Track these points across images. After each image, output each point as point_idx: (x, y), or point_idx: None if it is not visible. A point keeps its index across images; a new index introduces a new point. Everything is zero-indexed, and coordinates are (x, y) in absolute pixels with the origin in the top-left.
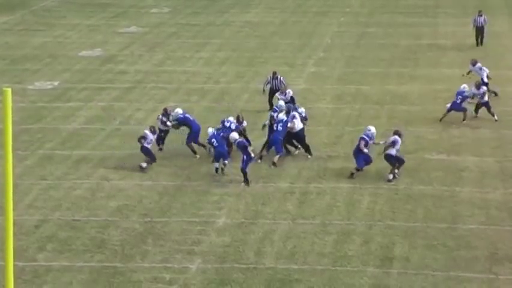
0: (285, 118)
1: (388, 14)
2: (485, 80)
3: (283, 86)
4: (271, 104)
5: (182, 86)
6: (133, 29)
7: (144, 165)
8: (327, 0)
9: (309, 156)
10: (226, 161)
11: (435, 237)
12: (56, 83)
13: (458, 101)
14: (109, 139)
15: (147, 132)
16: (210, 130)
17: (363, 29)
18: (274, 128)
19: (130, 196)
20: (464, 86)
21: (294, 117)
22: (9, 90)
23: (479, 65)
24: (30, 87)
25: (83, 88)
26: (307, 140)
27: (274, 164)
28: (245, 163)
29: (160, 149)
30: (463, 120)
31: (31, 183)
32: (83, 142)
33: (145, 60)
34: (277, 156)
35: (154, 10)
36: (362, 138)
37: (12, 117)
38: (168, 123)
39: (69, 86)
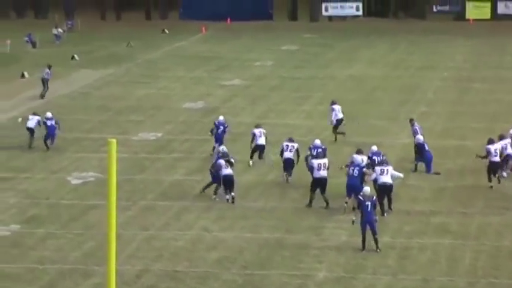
0: (362, 163)
1: (492, 70)
2: None
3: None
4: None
5: (283, 139)
6: (236, 81)
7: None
8: (430, 55)
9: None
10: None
11: None
12: (159, 134)
13: None
14: (209, 190)
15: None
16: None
17: (467, 84)
18: (350, 172)
19: (230, 248)
20: None
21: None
22: (114, 141)
23: None
24: (134, 138)
25: (186, 140)
26: (409, 194)
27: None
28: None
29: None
30: None
31: (133, 233)
32: (185, 193)
33: (248, 112)
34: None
35: (257, 63)
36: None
37: (116, 167)
38: None
39: (172, 138)
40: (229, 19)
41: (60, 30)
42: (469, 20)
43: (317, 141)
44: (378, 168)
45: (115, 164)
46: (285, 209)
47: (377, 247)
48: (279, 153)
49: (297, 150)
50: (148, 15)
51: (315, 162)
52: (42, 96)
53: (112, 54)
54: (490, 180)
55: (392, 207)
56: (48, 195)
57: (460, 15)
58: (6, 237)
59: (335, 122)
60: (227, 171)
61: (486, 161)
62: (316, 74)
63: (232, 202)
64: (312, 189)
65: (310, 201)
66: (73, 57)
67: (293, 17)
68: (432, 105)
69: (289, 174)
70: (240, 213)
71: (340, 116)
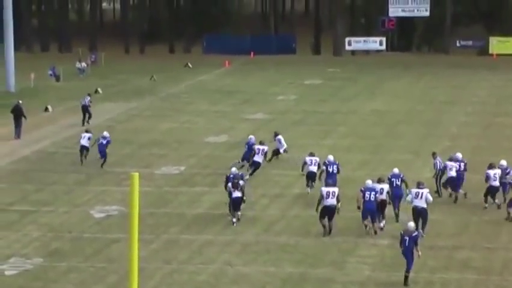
0: (377, 188)
1: None
2: None
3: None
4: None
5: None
6: (259, 115)
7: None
8: (453, 90)
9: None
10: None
11: None
12: (182, 168)
13: None
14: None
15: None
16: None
17: (491, 119)
18: (367, 197)
19: (253, 283)
20: None
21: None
22: (136, 175)
23: None
24: (157, 171)
25: (209, 174)
26: (432, 229)
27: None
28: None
29: None
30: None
31: (156, 267)
32: (208, 227)
33: (271, 146)
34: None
35: (280, 97)
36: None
37: (139, 201)
38: None
39: (195, 171)
40: (252, 53)
41: (83, 64)
42: (492, 54)
43: (330, 157)
44: (413, 191)
45: (137, 198)
46: (308, 244)
47: (405, 283)
48: (301, 168)
49: (318, 164)
50: (172, 48)
51: (325, 190)
52: (84, 123)
53: (135, 87)
54: (486, 201)
55: (424, 232)
56: (71, 228)
57: (484, 50)
58: (29, 271)
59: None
60: (235, 194)
61: (486, 185)
62: (339, 108)
63: (238, 220)
64: (321, 217)
65: (324, 227)
66: (96, 91)
67: (316, 51)
68: (456, 139)
69: (312, 186)
70: (263, 247)
71: (285, 146)
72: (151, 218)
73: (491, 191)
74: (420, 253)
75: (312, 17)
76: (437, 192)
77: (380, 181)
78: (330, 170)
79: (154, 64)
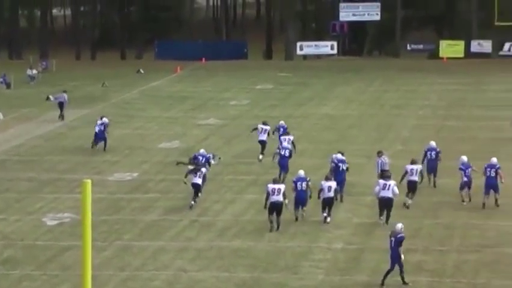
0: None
1: (467, 107)
2: None
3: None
4: None
5: (260, 178)
6: (211, 120)
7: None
8: (405, 93)
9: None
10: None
11: None
12: (135, 174)
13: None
14: (186, 230)
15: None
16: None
17: (442, 122)
18: (298, 187)
19: None
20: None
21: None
22: (89, 182)
23: None
24: (109, 178)
25: (161, 179)
26: (385, 233)
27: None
28: None
29: None
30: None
31: (109, 274)
32: (161, 233)
33: (223, 152)
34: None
35: (232, 102)
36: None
37: (92, 208)
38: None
39: (147, 178)
40: (204, 59)
41: (34, 71)
42: (442, 58)
43: (301, 172)
44: (381, 182)
45: (90, 205)
46: (262, 248)
47: (404, 283)
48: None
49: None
50: (123, 55)
51: (270, 187)
52: (61, 117)
53: (87, 94)
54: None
55: (388, 222)
56: (23, 236)
57: (434, 54)
58: None
59: None
60: (195, 180)
61: (405, 180)
62: (292, 112)
63: (190, 208)
64: (270, 213)
65: (271, 223)
66: (47, 98)
67: (268, 56)
68: (408, 143)
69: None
70: (216, 253)
71: None
72: (104, 225)
73: (409, 185)
74: (403, 256)
75: (264, 22)
76: None
77: (327, 179)
78: (299, 188)
79: (105, 70)
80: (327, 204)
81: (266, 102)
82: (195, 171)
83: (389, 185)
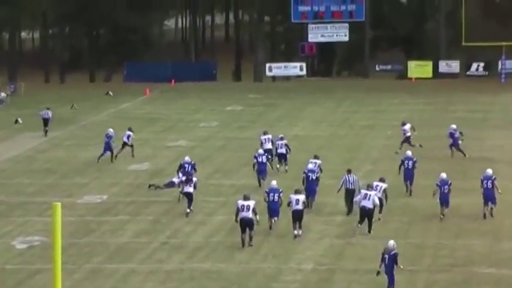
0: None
1: (435, 127)
2: None
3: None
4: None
5: (229, 199)
6: (181, 142)
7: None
8: (374, 114)
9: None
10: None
11: None
12: (104, 197)
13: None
14: (156, 252)
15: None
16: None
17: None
18: (271, 198)
19: None
20: None
21: None
22: (58, 205)
23: None
24: (79, 201)
25: (131, 201)
26: (355, 253)
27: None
28: None
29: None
30: None
31: None
32: (131, 256)
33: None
34: None
35: (202, 124)
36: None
37: (61, 231)
38: None
39: (117, 200)
40: (173, 80)
41: (3, 94)
42: (411, 78)
43: (273, 182)
44: (363, 192)
45: (60, 228)
46: (233, 270)
47: None
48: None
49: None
50: (92, 77)
51: (240, 203)
52: (45, 132)
53: (56, 117)
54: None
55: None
56: None
57: (402, 74)
58: None
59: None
60: (186, 189)
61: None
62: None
63: (186, 216)
64: (242, 231)
65: (243, 241)
66: (16, 121)
67: (237, 77)
68: (378, 163)
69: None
70: (187, 275)
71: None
72: (74, 248)
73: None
74: (401, 266)
75: (233, 43)
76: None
77: (296, 192)
78: (272, 199)
79: (74, 93)
80: (297, 217)
81: (236, 124)
82: (185, 181)
83: (370, 195)
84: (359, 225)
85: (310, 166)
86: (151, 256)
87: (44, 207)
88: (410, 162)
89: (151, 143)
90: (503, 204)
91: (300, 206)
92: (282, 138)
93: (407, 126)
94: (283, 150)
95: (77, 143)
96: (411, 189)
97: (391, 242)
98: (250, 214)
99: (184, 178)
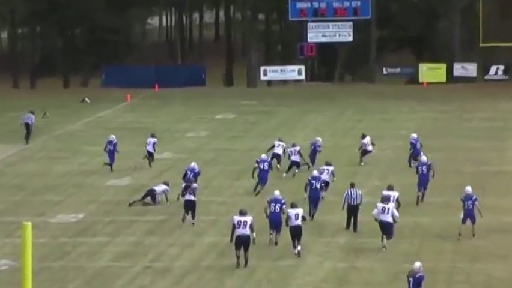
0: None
1: (449, 138)
2: None
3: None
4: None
5: (220, 219)
6: (166, 155)
7: None
8: (381, 122)
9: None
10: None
11: None
12: (80, 216)
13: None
14: (139, 277)
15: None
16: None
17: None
18: (272, 209)
19: None
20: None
21: None
22: (29, 224)
23: None
24: (52, 220)
25: (110, 221)
26: (361, 278)
27: None
28: None
29: None
30: None
31: None
32: (110, 281)
33: (179, 189)
34: None
35: (189, 134)
36: None
37: (32, 254)
38: None
39: (95, 219)
40: (157, 85)
41: None
42: (422, 83)
43: (276, 192)
44: (380, 206)
45: (30, 250)
46: None
47: None
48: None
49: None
50: (67, 82)
51: (236, 219)
52: (26, 139)
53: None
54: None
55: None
56: None
57: (413, 78)
58: None
59: None
60: (188, 197)
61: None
62: (256, 145)
63: (193, 224)
64: (236, 248)
65: (238, 258)
66: None
67: (228, 82)
68: (386, 177)
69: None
70: None
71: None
72: (46, 272)
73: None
74: None
75: (223, 44)
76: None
77: (293, 206)
78: (273, 209)
79: (47, 100)
80: (295, 233)
81: (227, 134)
82: (185, 189)
83: (388, 208)
84: (383, 242)
85: (316, 173)
86: (132, 282)
87: (13, 228)
88: (425, 167)
89: (132, 155)
90: None
91: (299, 222)
92: (294, 145)
93: (367, 140)
94: (296, 158)
95: (50, 155)
96: (424, 193)
97: (417, 264)
98: (247, 231)
99: (183, 185)
